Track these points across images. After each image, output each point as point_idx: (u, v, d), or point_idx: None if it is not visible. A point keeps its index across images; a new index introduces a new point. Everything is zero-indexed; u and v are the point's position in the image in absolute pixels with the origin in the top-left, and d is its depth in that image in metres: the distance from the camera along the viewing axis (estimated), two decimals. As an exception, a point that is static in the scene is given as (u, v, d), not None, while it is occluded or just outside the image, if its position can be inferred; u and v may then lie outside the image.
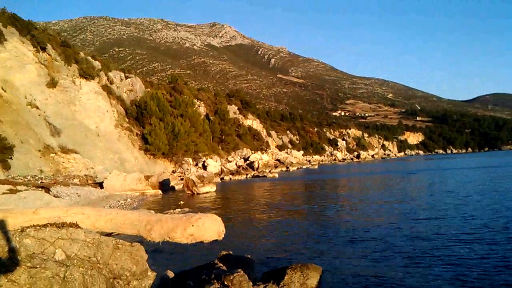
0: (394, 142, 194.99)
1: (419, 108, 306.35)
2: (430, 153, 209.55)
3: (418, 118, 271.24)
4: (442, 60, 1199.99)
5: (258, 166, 58.66)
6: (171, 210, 19.67)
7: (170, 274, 7.81)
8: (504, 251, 11.02)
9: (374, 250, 11.68)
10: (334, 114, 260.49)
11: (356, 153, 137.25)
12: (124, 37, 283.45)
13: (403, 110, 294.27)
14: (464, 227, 14.53)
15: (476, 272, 9.38)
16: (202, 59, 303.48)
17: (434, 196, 24.51)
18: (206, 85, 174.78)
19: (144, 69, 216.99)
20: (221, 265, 7.49)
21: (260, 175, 52.37)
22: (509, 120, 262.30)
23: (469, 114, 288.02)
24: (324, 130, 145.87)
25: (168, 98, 58.18)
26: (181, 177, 38.07)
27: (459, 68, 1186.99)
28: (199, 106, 67.49)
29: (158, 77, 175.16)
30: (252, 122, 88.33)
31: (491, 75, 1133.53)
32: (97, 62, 49.59)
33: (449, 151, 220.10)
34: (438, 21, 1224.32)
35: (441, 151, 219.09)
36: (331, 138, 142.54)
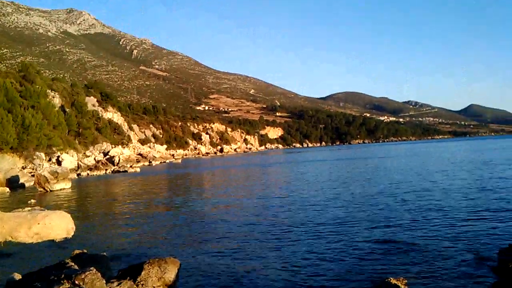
0: (256, 137, 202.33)
1: (278, 104, 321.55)
2: (288, 147, 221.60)
3: (278, 114, 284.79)
4: (299, 59, 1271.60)
5: (119, 161, 56.80)
6: (20, 209, 18.16)
7: (17, 276, 7.26)
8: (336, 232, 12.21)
9: (233, 243, 12.12)
10: (198, 108, 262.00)
11: (219, 147, 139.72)
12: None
13: (264, 106, 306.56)
14: (319, 215, 15.75)
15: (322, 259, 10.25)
16: (58, 47, 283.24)
17: (290, 187, 26.00)
18: (61, 75, 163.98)
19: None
20: (73, 264, 7.14)
21: (121, 170, 50.78)
22: (358, 117, 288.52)
23: (323, 110, 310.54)
24: (188, 124, 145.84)
25: (18, 88, 53.30)
26: (32, 174, 35.32)
27: (315, 67, 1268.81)
28: (53, 97, 62.95)
29: (6, 65, 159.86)
30: (113, 115, 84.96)
31: (343, 74, 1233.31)
32: None
33: (305, 145, 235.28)
34: (290, 22, 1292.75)
35: (298, 145, 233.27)
36: (195, 132, 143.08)
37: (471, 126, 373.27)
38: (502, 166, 33.30)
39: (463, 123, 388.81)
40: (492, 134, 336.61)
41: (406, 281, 7.23)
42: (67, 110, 64.62)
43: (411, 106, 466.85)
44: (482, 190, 19.82)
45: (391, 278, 7.17)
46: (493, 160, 40.98)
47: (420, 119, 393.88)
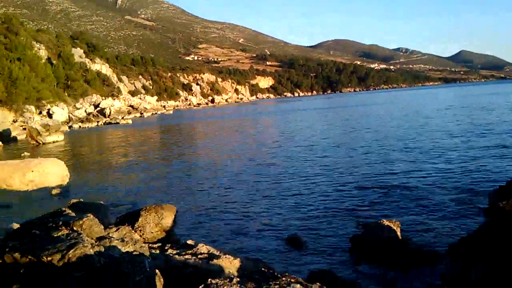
0: (247, 86, 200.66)
1: (268, 53, 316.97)
2: (279, 96, 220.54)
3: (268, 63, 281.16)
4: (288, 5, 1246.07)
5: (110, 112, 56.38)
6: (13, 162, 18.04)
7: (15, 226, 7.25)
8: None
9: (227, 192, 12.24)
10: (187, 58, 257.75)
11: (210, 98, 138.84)
12: None
13: (254, 55, 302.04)
14: (314, 164, 15.84)
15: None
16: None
17: (283, 136, 26.03)
18: (45, 26, 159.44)
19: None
20: (71, 212, 7.13)
21: (113, 122, 50.55)
22: (348, 65, 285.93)
23: (314, 59, 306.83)
24: (178, 75, 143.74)
25: (2, 40, 51.93)
26: (24, 127, 35.02)
27: (304, 15, 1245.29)
28: (39, 49, 61.47)
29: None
30: (101, 66, 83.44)
31: (333, 22, 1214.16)
32: None
33: (296, 94, 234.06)
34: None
35: (289, 94, 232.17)
36: (185, 83, 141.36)
37: (461, 73, 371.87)
38: (496, 112, 33.42)
39: (453, 69, 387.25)
40: (482, 80, 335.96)
41: (398, 223, 7.32)
42: (54, 62, 63.33)
43: (401, 53, 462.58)
44: (475, 135, 19.94)
45: (384, 220, 7.26)
46: (487, 106, 41.11)
47: (410, 66, 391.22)
